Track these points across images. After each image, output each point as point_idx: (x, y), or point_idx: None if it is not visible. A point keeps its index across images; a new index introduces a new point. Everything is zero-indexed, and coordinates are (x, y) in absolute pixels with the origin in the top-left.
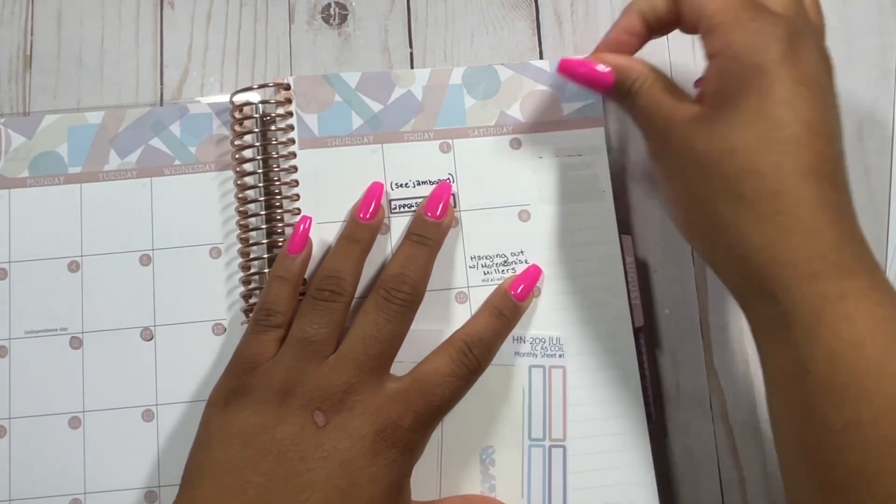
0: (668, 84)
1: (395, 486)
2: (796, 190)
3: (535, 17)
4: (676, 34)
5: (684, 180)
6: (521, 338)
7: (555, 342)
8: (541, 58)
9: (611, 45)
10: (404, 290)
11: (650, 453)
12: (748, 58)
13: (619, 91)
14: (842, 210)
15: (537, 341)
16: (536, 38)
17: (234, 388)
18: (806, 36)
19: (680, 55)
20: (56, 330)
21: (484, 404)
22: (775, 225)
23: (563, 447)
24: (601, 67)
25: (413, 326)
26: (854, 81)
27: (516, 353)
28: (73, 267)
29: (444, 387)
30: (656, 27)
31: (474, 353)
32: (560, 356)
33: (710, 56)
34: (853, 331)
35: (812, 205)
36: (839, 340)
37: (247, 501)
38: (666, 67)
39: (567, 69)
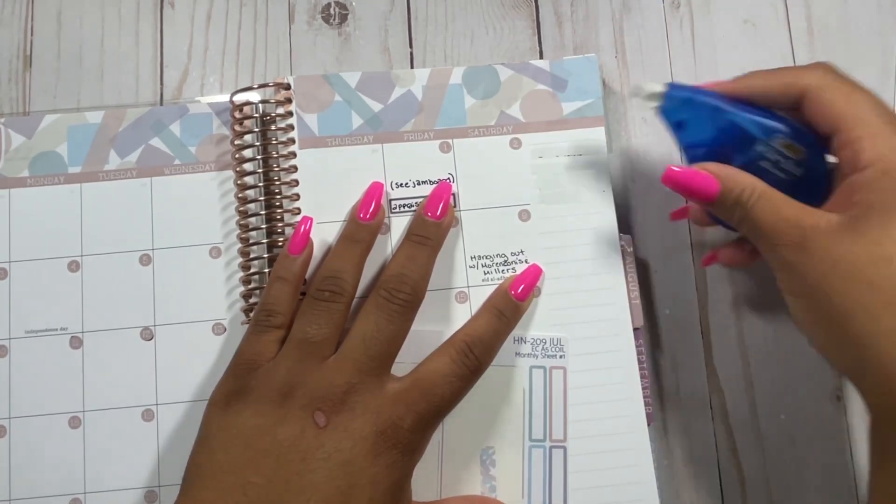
0: (781, 194)
1: (396, 486)
2: None
3: (535, 17)
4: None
5: (825, 291)
6: (521, 338)
7: (556, 343)
8: (541, 58)
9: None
10: (405, 291)
11: (650, 453)
12: None
13: (724, 202)
14: None
15: (538, 342)
16: (536, 38)
17: (235, 388)
18: None
19: (681, 61)
20: (56, 330)
21: (484, 405)
22: None
23: (564, 448)
24: (704, 174)
25: (413, 327)
26: None
27: (517, 354)
28: (73, 267)
29: (445, 387)
30: (766, 105)
31: (475, 354)
32: (561, 357)
33: (855, 167)
34: None
35: None
36: None
37: (247, 502)
38: (667, 75)
39: (671, 179)
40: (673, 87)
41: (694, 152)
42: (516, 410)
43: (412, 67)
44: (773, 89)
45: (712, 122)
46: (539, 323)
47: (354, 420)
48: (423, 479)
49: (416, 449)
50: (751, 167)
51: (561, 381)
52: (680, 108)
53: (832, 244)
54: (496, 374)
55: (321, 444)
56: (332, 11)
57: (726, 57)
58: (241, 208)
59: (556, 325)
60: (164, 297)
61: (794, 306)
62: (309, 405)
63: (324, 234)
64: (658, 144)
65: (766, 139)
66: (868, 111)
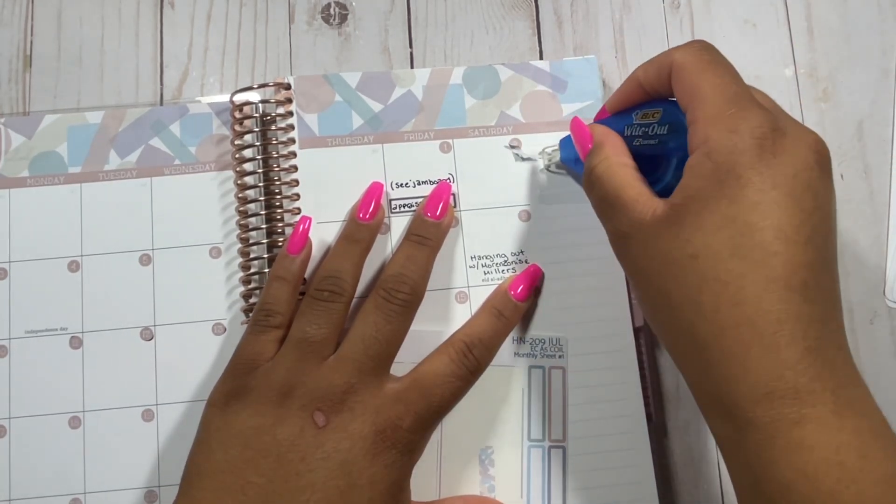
0: (633, 174)
1: (395, 486)
2: (758, 301)
3: (535, 17)
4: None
5: (647, 281)
6: (520, 338)
7: (555, 343)
8: (541, 58)
9: (612, 104)
10: (404, 291)
11: (650, 453)
12: (721, 157)
13: (586, 163)
14: (812, 323)
15: (537, 342)
16: (536, 38)
17: (234, 388)
18: (790, 133)
19: None
20: (56, 330)
21: (483, 405)
22: (733, 339)
23: (563, 448)
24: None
25: (413, 327)
26: (854, 81)
27: (516, 354)
28: (73, 267)
29: (444, 387)
30: (655, 95)
31: (474, 354)
32: (560, 357)
33: (690, 150)
34: (806, 460)
35: (774, 318)
36: (792, 470)
37: (246, 502)
38: None
39: (572, 126)
40: (562, 140)
41: (578, 167)
42: (515, 410)
43: (412, 67)
44: (650, 74)
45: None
46: (539, 323)
47: (354, 420)
48: (422, 479)
49: (415, 449)
50: (633, 150)
51: (560, 381)
52: (567, 147)
53: (650, 239)
54: (495, 374)
55: (320, 444)
56: (332, 11)
57: (726, 57)
58: (241, 208)
59: (557, 325)
60: (164, 297)
61: (631, 285)
62: (308, 405)
63: (324, 234)
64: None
65: (630, 122)
66: (714, 90)
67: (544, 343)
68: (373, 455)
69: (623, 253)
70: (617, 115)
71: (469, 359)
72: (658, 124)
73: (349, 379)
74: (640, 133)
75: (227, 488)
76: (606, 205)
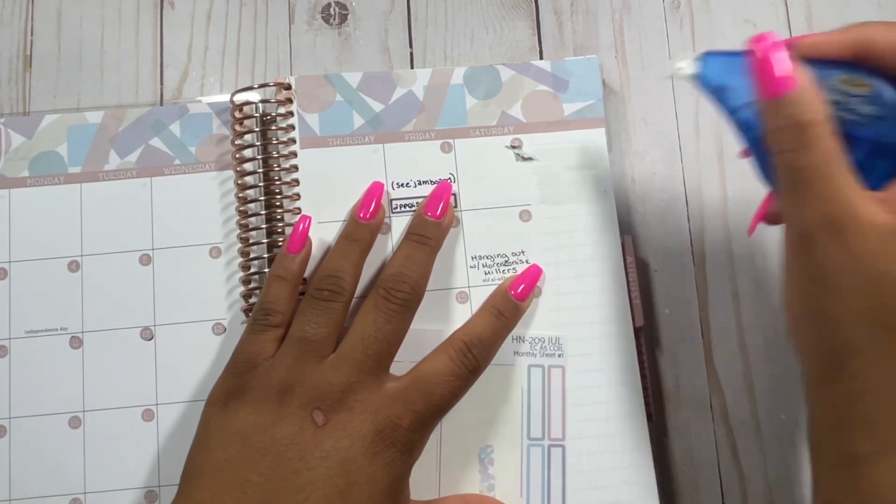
0: (846, 159)
1: (395, 485)
2: None
3: (535, 17)
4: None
5: (837, 290)
6: (520, 337)
7: (554, 342)
8: (541, 58)
9: (811, 48)
10: (403, 290)
11: (650, 453)
12: None
13: (783, 111)
14: None
15: (537, 341)
16: (536, 38)
17: (233, 387)
18: None
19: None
20: (56, 330)
21: (483, 404)
22: None
23: (563, 447)
24: (786, 71)
25: (413, 326)
26: None
27: (515, 353)
28: (73, 267)
29: (444, 386)
30: (878, 65)
31: (473, 354)
32: (559, 356)
33: None
34: None
35: None
36: None
37: (245, 501)
38: (668, 80)
39: (760, 47)
40: (707, 54)
41: (743, 114)
42: (515, 409)
43: (412, 67)
44: (831, 46)
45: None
46: (539, 323)
47: (353, 419)
48: (422, 478)
49: (415, 448)
50: None
51: (559, 380)
52: (718, 71)
53: (873, 247)
54: (494, 373)
55: (319, 443)
56: (332, 11)
57: None
58: (242, 208)
59: (557, 325)
60: (164, 297)
61: (792, 284)
62: (307, 404)
63: (323, 233)
64: (658, 144)
65: (831, 83)
66: None
67: (544, 342)
68: (372, 454)
69: (818, 245)
70: (812, 63)
71: (469, 358)
72: (866, 100)
73: (348, 378)
74: (839, 100)
75: (227, 487)
76: (820, 216)
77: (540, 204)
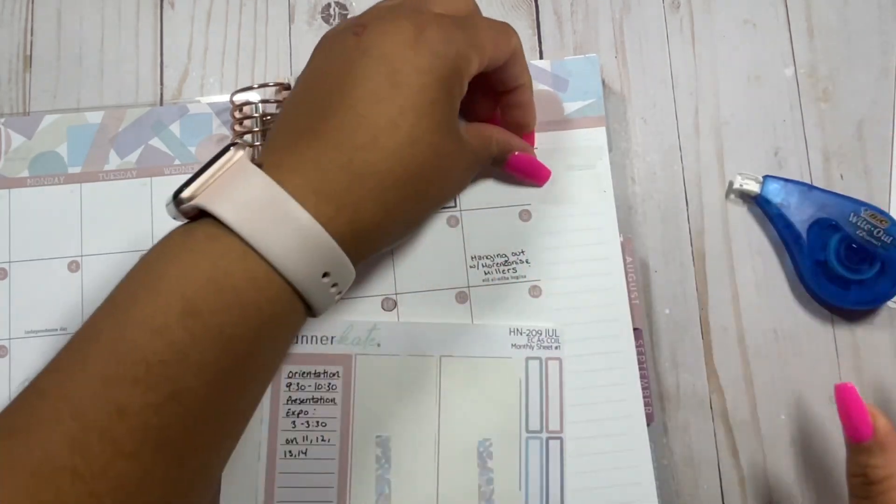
0: None
1: (444, 80)
2: None
3: (535, 17)
4: (680, 42)
5: None
6: (517, 330)
7: (551, 334)
8: (541, 57)
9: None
10: None
11: (650, 453)
12: None
13: (856, 465)
14: None
15: (534, 333)
16: (537, 37)
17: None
18: None
19: (681, 61)
20: (56, 330)
21: (481, 397)
22: None
23: (561, 439)
24: None
25: (412, 320)
26: (854, 81)
27: (513, 346)
28: (73, 267)
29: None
30: None
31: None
32: (556, 348)
33: None
34: None
35: None
36: None
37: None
38: (667, 75)
39: (848, 402)
40: (767, 178)
41: (796, 230)
42: (512, 402)
43: None
44: None
45: (809, 201)
46: (537, 319)
47: (391, 21)
48: (420, 472)
49: (461, 51)
50: (850, 238)
51: (557, 371)
52: (777, 193)
53: None
54: (492, 366)
55: (358, 45)
56: (332, 11)
57: (726, 57)
58: None
59: (556, 325)
60: None
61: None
62: (351, 25)
63: None
64: (658, 144)
65: (858, 211)
66: None
67: (541, 334)
68: (414, 48)
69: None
70: (845, 198)
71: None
72: (885, 231)
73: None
74: (865, 228)
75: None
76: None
77: (540, 203)
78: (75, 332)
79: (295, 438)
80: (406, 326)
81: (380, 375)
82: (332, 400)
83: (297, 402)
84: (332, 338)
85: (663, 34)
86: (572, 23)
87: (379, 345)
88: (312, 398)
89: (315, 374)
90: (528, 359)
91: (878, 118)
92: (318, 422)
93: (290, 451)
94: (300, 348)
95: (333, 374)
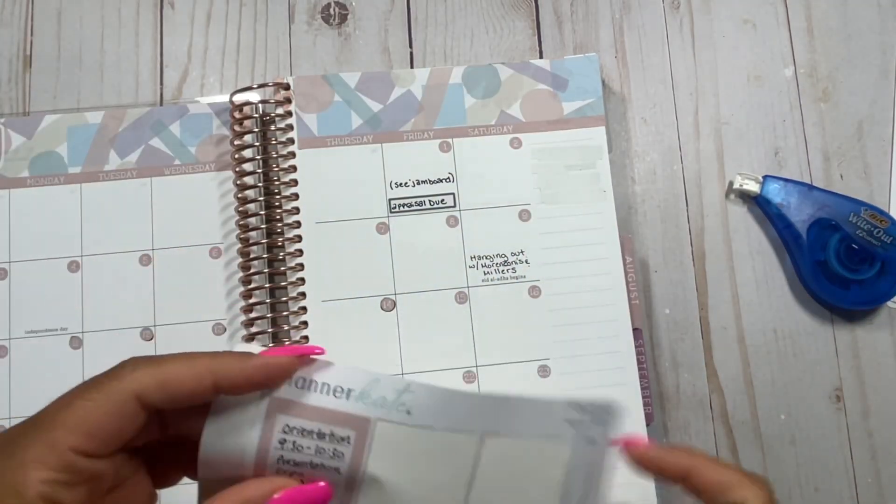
0: None
1: None
2: None
3: (535, 17)
4: (680, 42)
5: None
6: (575, 403)
7: (606, 409)
8: (541, 57)
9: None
10: None
11: None
12: None
13: None
14: None
15: (588, 409)
16: (536, 37)
17: None
18: None
19: (680, 61)
20: (56, 330)
21: (519, 488)
22: None
23: None
24: None
25: (411, 320)
26: (854, 81)
27: (566, 421)
28: (73, 267)
29: None
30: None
31: None
32: (611, 425)
33: None
34: None
35: None
36: None
37: None
38: (667, 75)
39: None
40: (767, 178)
41: (796, 230)
42: (552, 491)
43: (412, 67)
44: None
45: (809, 201)
46: (539, 323)
47: None
48: None
49: None
50: (850, 236)
51: (605, 460)
52: (777, 193)
53: None
54: (539, 454)
55: None
56: (332, 11)
57: (726, 57)
58: (241, 208)
59: (557, 326)
60: (164, 298)
61: None
62: None
63: (323, 233)
64: (658, 144)
65: (858, 211)
66: None
67: (596, 408)
68: None
69: None
70: (844, 198)
71: None
72: (885, 231)
73: None
74: (865, 228)
75: None
76: None
77: (539, 203)
78: None
79: None
80: (448, 394)
81: (401, 451)
82: (336, 469)
83: (291, 463)
84: (350, 391)
85: (663, 34)
86: (572, 22)
87: (409, 412)
88: (311, 463)
89: (319, 434)
90: (579, 438)
91: (878, 118)
92: None
93: None
94: (305, 396)
95: (343, 439)
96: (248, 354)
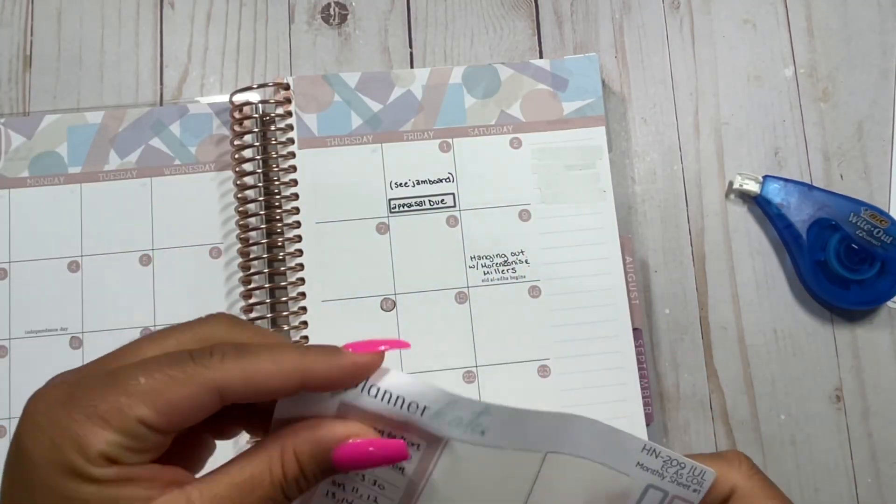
0: None
1: None
2: None
3: (535, 17)
4: (680, 42)
5: None
6: (653, 450)
7: (698, 475)
8: (541, 57)
9: None
10: None
11: None
12: None
13: None
14: None
15: (673, 463)
16: (536, 38)
17: None
18: None
19: (680, 61)
20: (56, 330)
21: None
22: None
23: None
24: None
25: (412, 322)
26: (854, 81)
27: (638, 464)
28: (73, 267)
29: None
30: None
31: None
32: (695, 491)
33: None
34: None
35: None
36: None
37: None
38: (667, 75)
39: None
40: (767, 178)
41: (796, 230)
42: None
43: (412, 67)
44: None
45: (809, 201)
46: (539, 323)
47: None
48: None
49: None
50: (850, 236)
51: None
52: (777, 193)
53: None
54: (603, 476)
55: None
56: (332, 11)
57: (726, 57)
58: (241, 208)
59: (557, 326)
60: (164, 298)
61: None
62: None
63: (323, 233)
64: (658, 144)
65: (858, 211)
66: None
67: (682, 468)
68: None
69: None
70: (844, 198)
71: None
72: (885, 231)
73: None
74: (865, 228)
75: None
76: None
77: (539, 203)
78: None
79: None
80: (523, 414)
81: (468, 466)
82: (402, 470)
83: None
84: (425, 409)
85: (663, 34)
86: (572, 22)
87: (483, 433)
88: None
89: (390, 437)
90: (649, 487)
91: (878, 118)
92: (369, 496)
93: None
94: (375, 405)
95: (412, 444)
96: (334, 350)
